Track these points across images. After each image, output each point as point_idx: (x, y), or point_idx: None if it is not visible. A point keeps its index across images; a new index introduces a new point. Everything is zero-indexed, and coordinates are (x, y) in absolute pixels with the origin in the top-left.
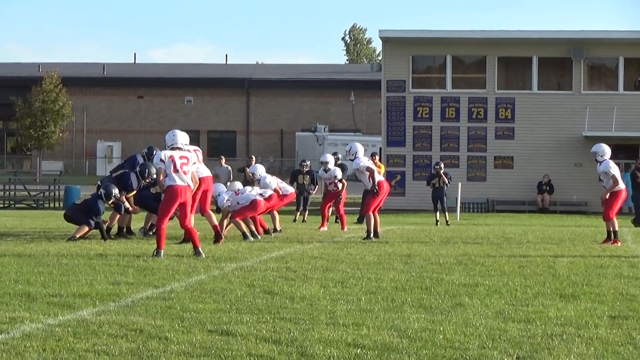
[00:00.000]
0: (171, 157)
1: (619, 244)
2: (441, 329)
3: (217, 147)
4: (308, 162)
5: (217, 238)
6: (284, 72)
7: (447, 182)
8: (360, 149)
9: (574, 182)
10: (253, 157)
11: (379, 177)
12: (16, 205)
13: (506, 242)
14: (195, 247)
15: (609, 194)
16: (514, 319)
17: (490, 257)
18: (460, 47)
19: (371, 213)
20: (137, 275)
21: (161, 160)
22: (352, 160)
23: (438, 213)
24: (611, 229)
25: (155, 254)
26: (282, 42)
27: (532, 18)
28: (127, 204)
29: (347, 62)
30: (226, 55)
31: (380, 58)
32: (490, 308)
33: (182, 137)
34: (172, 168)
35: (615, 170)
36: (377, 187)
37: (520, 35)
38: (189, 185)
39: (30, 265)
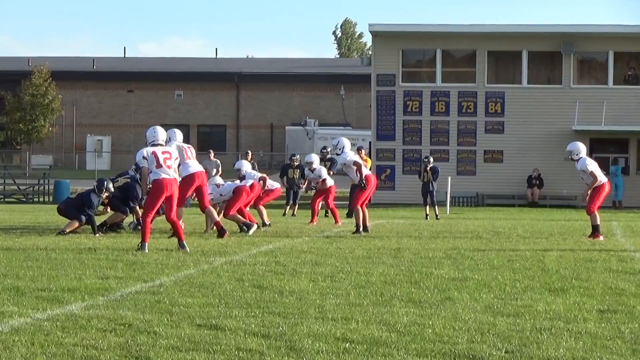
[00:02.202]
0: (153, 152)
1: (601, 237)
2: (430, 323)
3: (207, 141)
4: (298, 156)
5: (222, 233)
6: (274, 66)
7: (431, 179)
8: (347, 143)
9: (564, 176)
10: (249, 151)
11: (366, 170)
12: (6, 200)
13: (496, 236)
14: (179, 240)
15: (591, 189)
16: (503, 313)
17: (479, 251)
18: (450, 41)
19: (359, 207)
20: (126, 269)
21: (144, 157)
22: (339, 154)
23: (428, 207)
24: (595, 224)
25: (139, 247)
26: (272, 36)
27: (522, 12)
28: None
29: (338, 56)
30: (216, 49)
31: (370, 52)
32: (479, 302)
33: (163, 134)
34: (155, 164)
35: (592, 166)
36: (364, 182)
37: (510, 29)
38: (174, 179)
39: (19, 260)
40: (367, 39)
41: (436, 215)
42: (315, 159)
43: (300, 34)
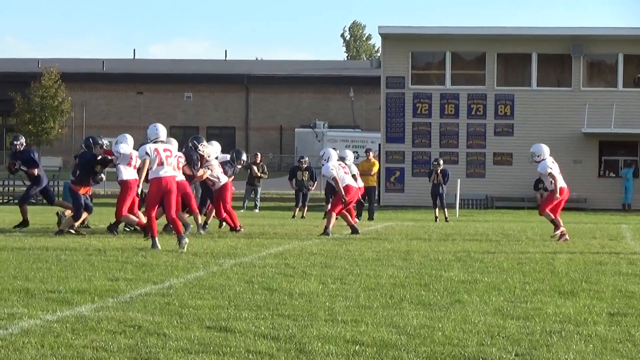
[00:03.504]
0: (156, 149)
1: (562, 228)
2: (440, 325)
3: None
4: (307, 158)
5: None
6: (284, 69)
7: (442, 182)
8: (333, 155)
9: (573, 178)
10: (258, 153)
11: (348, 180)
12: (15, 201)
13: (505, 238)
14: (179, 236)
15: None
16: (512, 315)
17: (489, 253)
18: (460, 43)
19: (334, 214)
20: (136, 271)
21: (146, 153)
22: (322, 165)
23: (437, 209)
24: (550, 219)
25: (152, 245)
26: (281, 39)
27: (532, 15)
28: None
29: (347, 58)
30: (225, 51)
31: (379, 54)
32: (489, 305)
33: (164, 132)
34: (157, 160)
35: (553, 169)
36: (344, 198)
37: (520, 31)
38: (174, 177)
39: (28, 261)
40: (376, 41)
41: (445, 218)
42: (349, 155)
43: (309, 36)
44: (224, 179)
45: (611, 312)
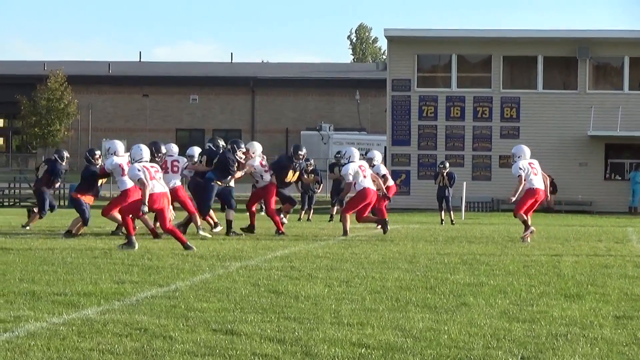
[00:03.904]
0: (144, 166)
1: (531, 229)
2: (446, 328)
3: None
4: (312, 161)
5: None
6: (289, 71)
7: (448, 184)
8: (355, 155)
9: (579, 181)
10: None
11: (366, 183)
12: (21, 204)
13: (511, 241)
14: (183, 244)
15: (522, 192)
16: (518, 318)
17: (495, 256)
18: (466, 46)
19: (347, 215)
20: (142, 274)
21: (138, 170)
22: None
23: (443, 212)
24: (522, 220)
25: (186, 247)
26: (287, 41)
27: (538, 18)
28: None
29: (353, 61)
30: (231, 53)
31: (385, 57)
32: (494, 308)
33: (147, 152)
34: (149, 177)
35: (524, 172)
36: (342, 201)
37: (526, 34)
38: (164, 193)
39: (35, 264)
40: (382, 44)
41: (451, 221)
42: (377, 155)
43: (315, 38)
44: (267, 179)
45: (617, 315)
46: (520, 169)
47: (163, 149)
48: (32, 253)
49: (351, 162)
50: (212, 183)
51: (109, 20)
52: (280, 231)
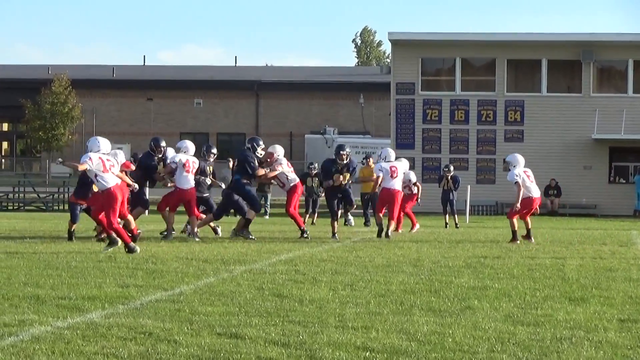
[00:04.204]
0: (100, 158)
1: (518, 242)
2: (450, 332)
3: (227, 149)
4: (316, 165)
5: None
6: (294, 75)
7: (452, 187)
8: (391, 155)
9: (583, 184)
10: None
11: (397, 185)
12: (26, 208)
13: (515, 245)
14: (126, 244)
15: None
16: (523, 322)
17: (499, 260)
18: (470, 49)
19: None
20: (146, 278)
21: (90, 158)
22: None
23: (447, 216)
24: (512, 229)
25: (128, 250)
26: (291, 45)
27: (542, 21)
28: None
29: (358, 64)
30: (235, 57)
31: (389, 60)
32: (499, 311)
33: (105, 144)
34: (102, 169)
35: (521, 179)
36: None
37: (530, 37)
38: (119, 185)
39: (39, 268)
40: (387, 47)
41: (456, 224)
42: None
43: (319, 42)
44: (293, 180)
45: (622, 318)
46: (517, 175)
47: (163, 143)
48: (37, 257)
49: (388, 161)
50: (243, 181)
51: (113, 24)
52: (303, 230)
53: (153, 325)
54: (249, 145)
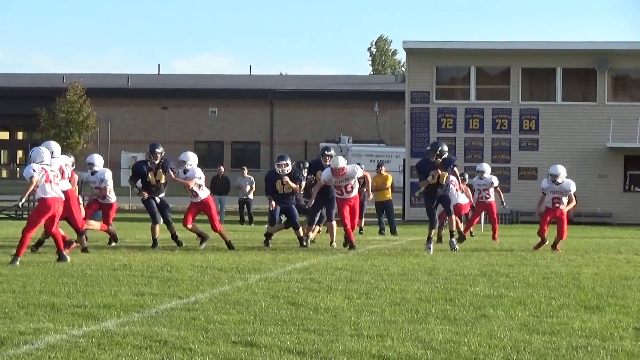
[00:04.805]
0: (43, 169)
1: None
2: (465, 340)
3: (241, 158)
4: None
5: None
6: (308, 83)
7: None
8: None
9: (599, 193)
10: None
11: (462, 200)
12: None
13: (530, 253)
14: (59, 251)
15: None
16: (538, 330)
17: (514, 268)
18: (484, 58)
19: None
20: (161, 286)
21: (34, 170)
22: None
23: (462, 224)
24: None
25: (11, 261)
26: (306, 53)
27: (556, 29)
28: None
29: (372, 73)
30: (250, 66)
31: (404, 69)
32: (514, 320)
33: (47, 155)
34: (45, 179)
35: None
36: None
37: (545, 46)
38: (59, 198)
39: (54, 276)
40: (401, 56)
41: (471, 233)
42: (487, 168)
43: (334, 51)
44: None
45: (637, 326)
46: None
47: (159, 149)
48: (52, 265)
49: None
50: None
51: (128, 33)
52: (351, 242)
53: (168, 333)
54: (296, 165)
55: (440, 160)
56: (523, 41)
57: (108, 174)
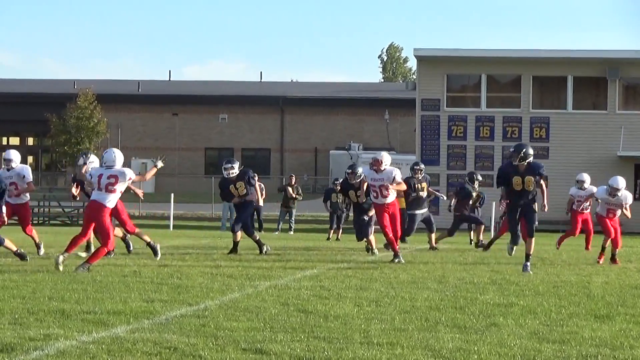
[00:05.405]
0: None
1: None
2: (475, 349)
3: (251, 164)
4: (340, 180)
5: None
6: (319, 90)
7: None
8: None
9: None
10: (293, 175)
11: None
12: (51, 222)
13: (540, 261)
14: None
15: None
16: (548, 339)
17: (524, 276)
18: (495, 66)
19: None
20: (171, 292)
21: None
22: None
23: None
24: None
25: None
26: (316, 60)
27: (567, 38)
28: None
29: (383, 80)
30: (261, 72)
31: (415, 76)
32: (524, 328)
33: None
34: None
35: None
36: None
37: (555, 54)
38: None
39: (64, 282)
40: (412, 64)
41: (481, 241)
42: (587, 178)
43: (345, 58)
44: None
45: None
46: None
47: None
48: (62, 271)
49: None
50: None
51: (139, 39)
52: (396, 254)
53: (178, 340)
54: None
55: (525, 163)
56: (534, 49)
57: (27, 170)
